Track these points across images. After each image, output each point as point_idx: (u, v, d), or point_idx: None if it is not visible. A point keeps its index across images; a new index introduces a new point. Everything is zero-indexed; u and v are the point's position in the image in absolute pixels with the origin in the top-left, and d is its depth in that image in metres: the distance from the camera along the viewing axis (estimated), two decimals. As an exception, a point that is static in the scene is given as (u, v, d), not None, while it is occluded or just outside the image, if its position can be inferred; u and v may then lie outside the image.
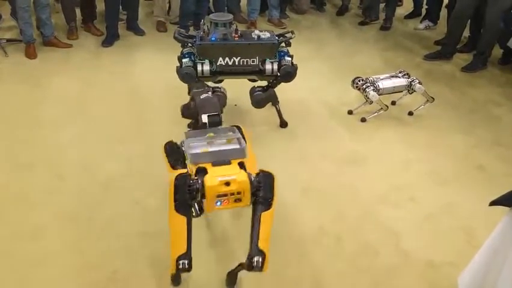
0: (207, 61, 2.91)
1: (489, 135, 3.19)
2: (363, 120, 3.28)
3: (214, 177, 1.56)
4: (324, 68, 4.18)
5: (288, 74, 2.92)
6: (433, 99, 3.35)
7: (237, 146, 1.69)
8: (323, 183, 2.66)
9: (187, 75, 2.89)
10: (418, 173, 2.79)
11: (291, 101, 3.44)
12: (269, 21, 5.21)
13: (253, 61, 2.93)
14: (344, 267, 2.13)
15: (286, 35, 3.01)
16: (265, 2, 5.19)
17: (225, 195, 1.56)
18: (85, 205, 2.43)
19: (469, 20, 4.32)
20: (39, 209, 2.41)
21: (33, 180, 2.61)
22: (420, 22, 5.29)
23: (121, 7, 4.76)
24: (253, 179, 1.62)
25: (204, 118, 1.76)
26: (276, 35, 2.99)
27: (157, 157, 2.76)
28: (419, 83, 3.29)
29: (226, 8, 4.98)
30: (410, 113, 3.39)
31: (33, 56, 4.17)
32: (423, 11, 5.42)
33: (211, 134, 1.78)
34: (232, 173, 1.57)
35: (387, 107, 3.29)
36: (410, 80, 3.30)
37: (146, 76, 3.93)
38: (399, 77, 3.33)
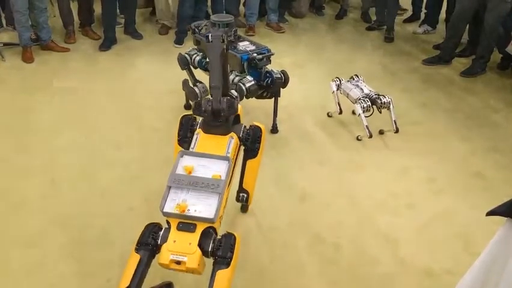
0: (201, 54, 3.16)
1: (487, 142, 3.17)
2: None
3: (168, 253, 1.56)
4: (322, 72, 4.16)
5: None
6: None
7: (211, 210, 1.61)
8: (320, 190, 2.65)
9: (179, 60, 3.22)
10: (415, 180, 2.77)
11: (288, 106, 3.43)
12: (268, 26, 5.19)
13: None
14: (341, 275, 2.11)
15: (267, 53, 2.91)
16: (264, 6, 5.18)
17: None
18: (80, 212, 2.42)
19: (468, 25, 4.32)
20: (35, 215, 2.39)
21: (29, 187, 2.60)
22: (419, 26, 5.29)
23: (118, 11, 4.75)
24: (212, 242, 1.60)
25: None
26: (259, 52, 2.89)
27: (154, 163, 2.77)
28: (368, 103, 3.07)
29: (224, 12, 4.96)
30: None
31: (30, 59, 4.16)
32: (422, 15, 5.42)
33: (198, 175, 1.71)
34: (186, 251, 1.55)
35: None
36: (361, 95, 3.12)
37: (144, 80, 3.91)
38: (364, 89, 3.18)
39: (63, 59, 4.27)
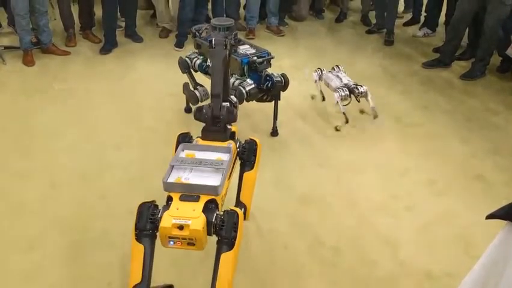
0: (201, 57, 3.15)
1: (487, 144, 3.17)
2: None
3: (170, 217, 1.52)
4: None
5: None
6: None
7: (215, 181, 1.63)
8: (320, 192, 2.65)
9: (180, 63, 3.22)
10: (415, 182, 2.77)
11: (288, 109, 3.44)
12: (268, 29, 5.20)
13: None
14: (341, 277, 2.11)
15: (267, 56, 2.92)
16: (265, 10, 5.19)
17: (177, 237, 1.52)
18: (80, 215, 2.42)
19: (468, 28, 4.32)
20: (35, 218, 2.39)
21: (29, 189, 2.60)
22: (419, 29, 5.29)
23: (119, 14, 4.77)
24: (215, 218, 1.58)
25: None
26: (259, 56, 2.89)
27: (154, 164, 2.77)
28: (346, 92, 3.26)
29: (224, 15, 4.97)
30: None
31: (31, 63, 4.17)
32: (422, 18, 5.42)
33: (201, 157, 1.76)
34: (189, 216, 1.52)
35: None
36: (340, 84, 3.31)
37: (144, 83, 3.92)
38: (343, 80, 3.37)
39: (64, 62, 4.27)
